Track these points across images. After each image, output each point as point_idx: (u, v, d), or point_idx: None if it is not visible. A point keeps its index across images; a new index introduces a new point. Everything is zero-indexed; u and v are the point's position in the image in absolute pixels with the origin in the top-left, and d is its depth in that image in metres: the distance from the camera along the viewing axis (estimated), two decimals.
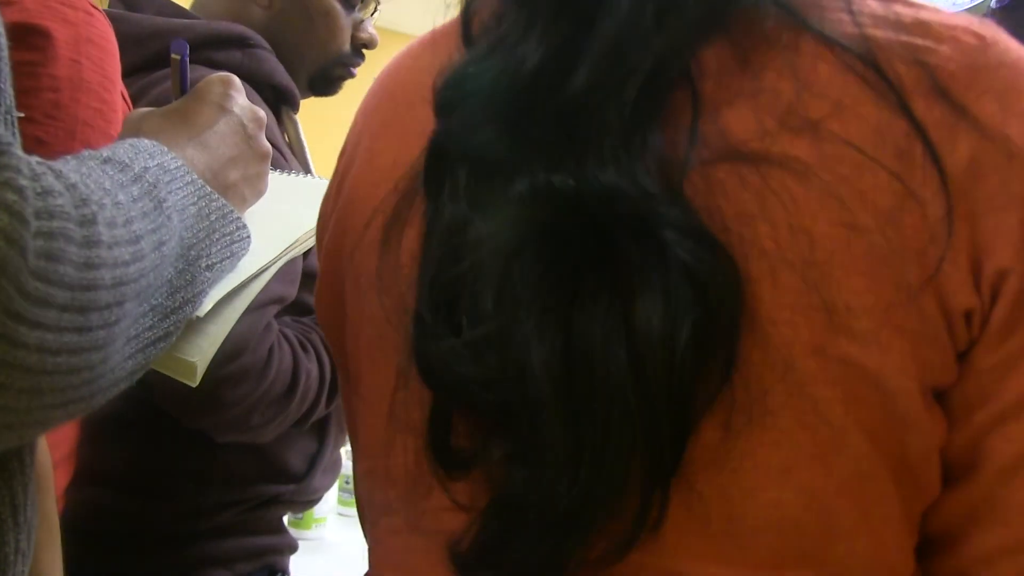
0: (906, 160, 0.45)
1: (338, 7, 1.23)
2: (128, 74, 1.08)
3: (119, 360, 0.52)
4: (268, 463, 1.12)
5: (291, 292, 1.05)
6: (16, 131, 0.53)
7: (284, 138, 1.23)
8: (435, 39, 0.58)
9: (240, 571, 1.13)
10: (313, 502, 1.24)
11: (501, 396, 0.45)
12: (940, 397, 0.48)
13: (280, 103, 1.21)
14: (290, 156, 1.15)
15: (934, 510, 0.49)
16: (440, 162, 0.49)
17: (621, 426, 0.44)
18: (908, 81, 0.45)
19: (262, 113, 0.72)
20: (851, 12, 0.47)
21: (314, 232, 0.74)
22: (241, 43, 1.15)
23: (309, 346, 1.07)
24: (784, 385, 0.45)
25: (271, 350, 1.00)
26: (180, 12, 1.19)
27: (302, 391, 1.05)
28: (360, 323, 0.57)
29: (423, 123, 0.51)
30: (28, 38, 0.72)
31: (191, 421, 1.04)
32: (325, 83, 1.28)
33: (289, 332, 1.06)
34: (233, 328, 0.94)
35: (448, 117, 0.49)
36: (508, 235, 0.45)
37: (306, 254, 1.07)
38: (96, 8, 0.79)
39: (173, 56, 0.73)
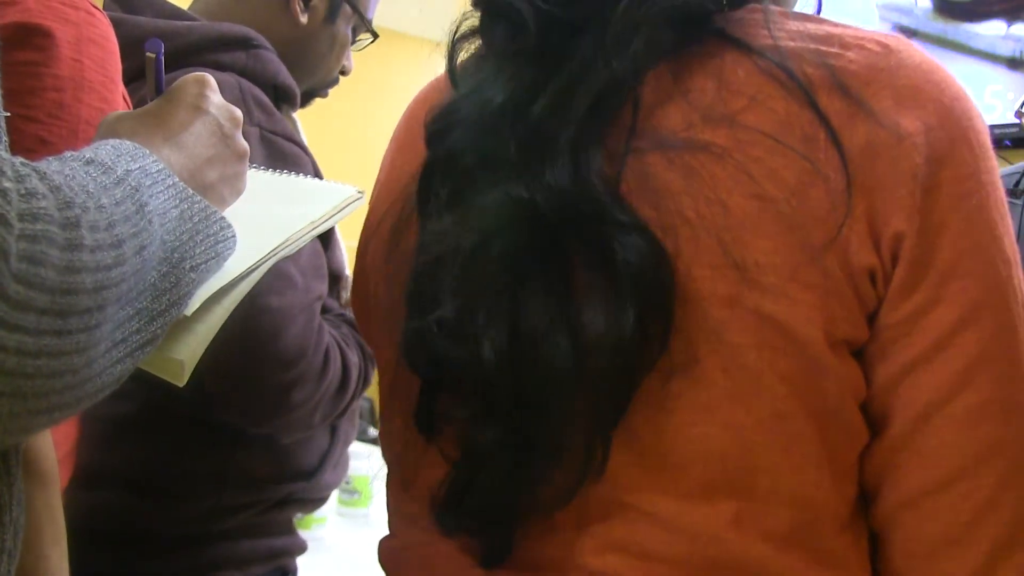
0: (811, 143, 0.53)
1: (349, 39, 1.29)
2: (131, 79, 1.08)
3: (105, 364, 0.52)
4: (283, 462, 1.13)
5: (326, 288, 1.09)
6: (3, 130, 0.53)
7: None
8: (440, 81, 0.69)
9: (253, 573, 1.14)
10: (322, 500, 1.25)
11: (457, 370, 0.54)
12: (859, 356, 0.54)
13: (280, 102, 1.22)
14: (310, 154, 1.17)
15: (865, 462, 0.55)
16: (429, 182, 0.59)
17: (563, 400, 0.52)
18: (815, 79, 0.54)
19: (238, 112, 0.72)
20: (768, 28, 0.56)
21: (306, 232, 0.75)
22: (245, 44, 1.15)
23: (344, 340, 1.11)
24: (706, 334, 0.52)
25: (327, 349, 1.04)
26: (179, 14, 1.19)
27: (352, 384, 1.10)
28: (376, 313, 0.67)
29: (423, 143, 0.61)
30: (30, 38, 0.72)
31: (258, 427, 1.07)
32: (306, 100, 1.32)
33: (329, 328, 1.09)
34: (290, 331, 0.98)
35: (436, 146, 0.59)
36: (470, 238, 0.54)
37: (326, 250, 1.10)
38: (97, 8, 0.79)
39: (148, 55, 0.73)
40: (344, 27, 1.27)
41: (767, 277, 0.52)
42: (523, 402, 0.53)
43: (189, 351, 0.63)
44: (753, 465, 0.53)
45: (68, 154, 0.55)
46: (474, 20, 0.62)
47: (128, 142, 0.59)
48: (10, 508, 0.56)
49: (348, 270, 1.26)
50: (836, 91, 0.53)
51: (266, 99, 1.12)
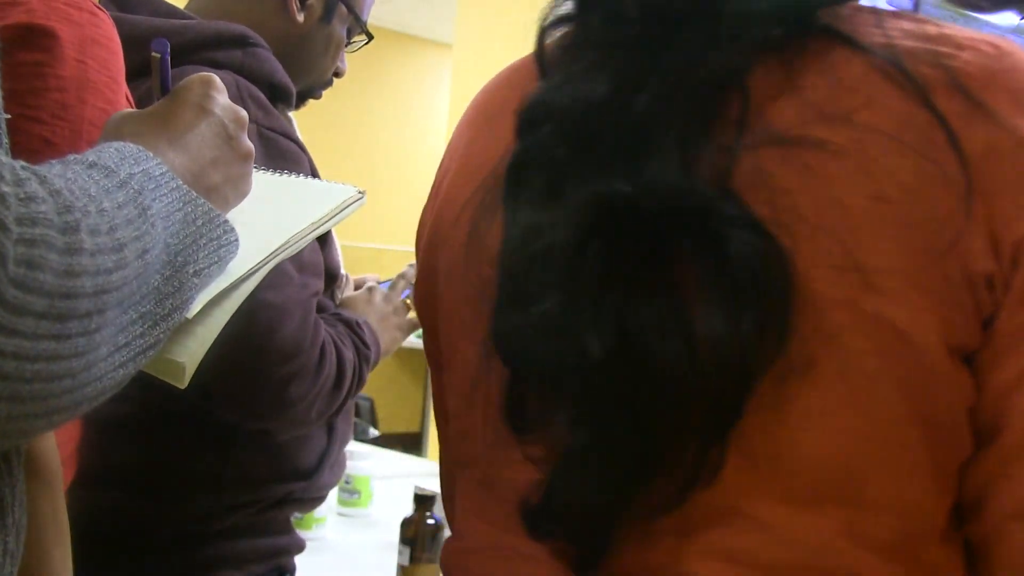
0: (929, 144, 0.51)
1: (344, 40, 1.29)
2: (130, 78, 1.08)
3: (107, 368, 0.52)
4: (281, 462, 1.13)
5: (322, 285, 1.09)
6: (4, 132, 0.53)
7: None
8: (520, 67, 0.68)
9: (252, 572, 1.14)
10: (320, 499, 1.25)
11: (562, 371, 0.52)
12: (969, 361, 0.52)
13: (276, 100, 1.22)
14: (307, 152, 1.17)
15: (969, 473, 0.53)
16: (520, 172, 0.57)
17: (674, 402, 0.50)
18: (931, 79, 0.52)
19: (244, 113, 0.72)
20: (881, 27, 0.55)
21: (307, 233, 0.75)
22: (241, 42, 1.15)
23: (339, 337, 1.11)
24: (824, 337, 0.51)
25: (323, 345, 1.04)
26: (174, 12, 1.19)
27: (348, 381, 1.10)
28: (453, 305, 0.65)
29: (507, 130, 0.59)
30: (34, 39, 0.72)
31: (255, 422, 1.07)
32: (299, 101, 1.32)
33: (325, 325, 1.09)
34: (286, 326, 0.98)
35: (528, 136, 0.57)
36: (571, 233, 0.52)
37: (322, 249, 1.10)
38: (101, 9, 0.79)
39: (154, 55, 0.73)
40: (339, 27, 1.27)
41: (888, 281, 0.50)
42: (629, 403, 0.51)
43: (190, 353, 0.64)
44: (863, 472, 0.51)
45: (71, 157, 0.55)
46: (564, 7, 0.61)
47: (132, 145, 0.59)
48: (12, 509, 0.56)
49: (344, 269, 1.26)
50: (954, 92, 0.52)
51: (263, 97, 1.12)
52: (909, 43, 0.54)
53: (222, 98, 0.70)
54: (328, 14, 1.25)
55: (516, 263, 0.55)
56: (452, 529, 0.68)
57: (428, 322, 0.72)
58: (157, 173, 0.58)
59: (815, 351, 0.51)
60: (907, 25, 0.55)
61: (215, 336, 0.65)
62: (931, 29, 0.55)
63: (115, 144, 0.58)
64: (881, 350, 0.50)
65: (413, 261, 0.80)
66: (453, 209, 0.65)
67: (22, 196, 0.45)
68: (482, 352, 0.58)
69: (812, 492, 0.52)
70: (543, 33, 0.61)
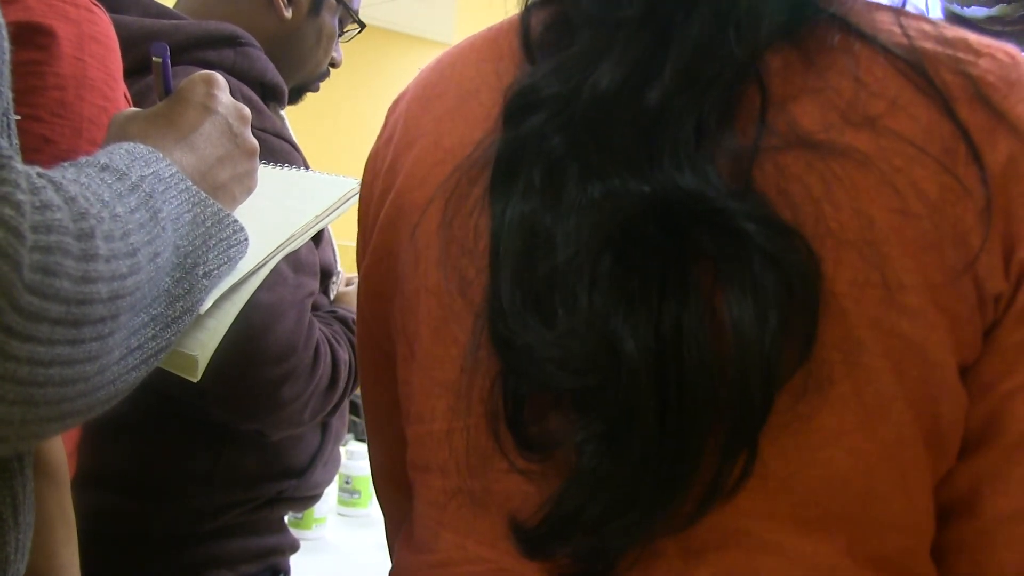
0: (952, 157, 0.50)
1: (336, 31, 1.29)
2: (124, 77, 1.08)
3: (120, 371, 0.52)
4: (272, 461, 1.13)
5: (317, 285, 1.08)
6: (14, 135, 0.53)
7: None
8: (495, 36, 0.63)
9: (244, 572, 1.14)
10: (314, 498, 1.24)
11: (591, 381, 0.49)
12: (963, 372, 0.52)
13: (268, 99, 1.22)
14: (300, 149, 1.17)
15: (950, 479, 0.53)
16: (511, 164, 0.53)
17: (708, 408, 0.48)
18: (954, 88, 0.51)
19: (247, 110, 0.72)
20: (901, 26, 0.53)
21: (312, 226, 0.75)
22: (232, 42, 1.15)
23: (334, 337, 1.11)
24: (843, 355, 0.49)
25: (317, 346, 1.03)
26: (165, 12, 1.19)
27: (342, 381, 1.09)
28: (418, 295, 0.60)
29: (487, 108, 0.57)
30: (32, 37, 0.72)
31: (247, 422, 1.06)
32: (297, 95, 1.32)
33: (320, 324, 1.09)
34: (279, 326, 0.98)
35: (519, 124, 0.54)
36: (591, 235, 0.49)
37: (316, 247, 1.10)
38: (97, 5, 0.79)
39: (154, 59, 0.73)
40: (330, 19, 1.27)
41: (910, 298, 0.49)
42: (658, 413, 0.48)
43: (202, 346, 0.64)
44: (870, 492, 0.50)
45: (84, 159, 0.55)
46: None
47: (142, 146, 0.59)
48: (24, 508, 0.56)
49: (340, 266, 1.26)
50: (977, 103, 0.50)
51: (255, 96, 1.12)
52: (929, 46, 0.52)
53: (225, 96, 0.71)
54: (316, 7, 1.24)
55: (528, 270, 0.51)
56: (413, 540, 0.63)
57: (380, 306, 0.65)
58: (167, 175, 0.59)
59: (834, 367, 0.49)
60: (925, 26, 0.54)
61: (226, 329, 0.66)
62: (948, 32, 0.53)
63: (126, 145, 0.59)
64: (898, 369, 0.49)
65: None
66: (424, 191, 0.60)
67: (38, 204, 0.45)
68: (467, 355, 0.55)
69: (821, 514, 0.50)
70: (528, 13, 0.58)
